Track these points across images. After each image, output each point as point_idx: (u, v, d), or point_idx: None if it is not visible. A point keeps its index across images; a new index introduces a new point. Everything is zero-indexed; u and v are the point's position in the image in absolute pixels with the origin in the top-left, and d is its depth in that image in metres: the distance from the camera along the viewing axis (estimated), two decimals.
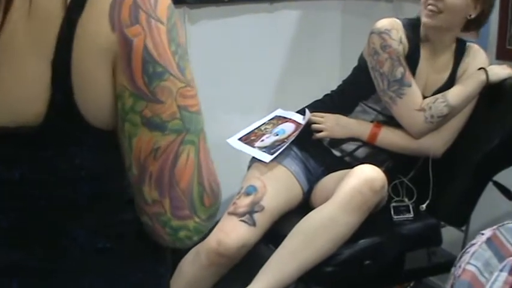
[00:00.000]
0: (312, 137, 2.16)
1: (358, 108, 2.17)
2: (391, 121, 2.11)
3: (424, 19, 1.99)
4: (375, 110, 2.15)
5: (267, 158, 2.06)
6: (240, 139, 2.17)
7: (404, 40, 2.02)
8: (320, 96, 2.31)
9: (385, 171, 1.95)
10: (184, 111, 0.89)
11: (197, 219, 0.91)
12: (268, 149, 2.09)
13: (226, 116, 2.55)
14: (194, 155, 0.90)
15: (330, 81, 2.41)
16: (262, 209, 1.96)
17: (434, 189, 2.05)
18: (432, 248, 2.12)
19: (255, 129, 2.21)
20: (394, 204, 2.06)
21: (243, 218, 1.93)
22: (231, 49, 2.63)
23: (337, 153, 2.17)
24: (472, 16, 2.00)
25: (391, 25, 2.00)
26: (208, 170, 0.91)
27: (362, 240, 1.93)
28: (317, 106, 2.25)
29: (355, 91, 2.19)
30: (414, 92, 2.01)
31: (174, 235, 0.92)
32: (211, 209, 0.92)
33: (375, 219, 1.94)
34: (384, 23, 2.01)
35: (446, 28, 2.01)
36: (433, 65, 2.09)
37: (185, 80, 0.90)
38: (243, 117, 2.34)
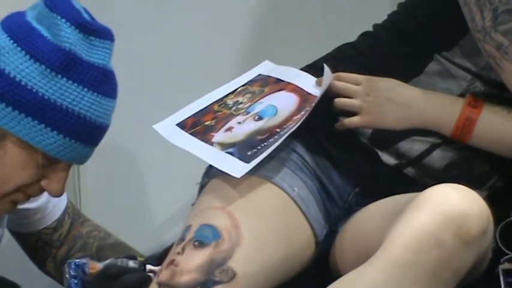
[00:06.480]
0: (336, 126, 1.64)
1: (432, 67, 1.65)
2: (502, 94, 1.62)
3: None
4: (466, 69, 1.65)
5: (239, 169, 1.50)
6: (180, 124, 1.60)
7: None
8: (352, 38, 1.74)
9: (487, 199, 1.47)
10: None
11: None
12: (242, 150, 1.53)
13: (167, 82, 2.11)
14: None
15: (373, 8, 2.01)
16: (232, 277, 1.48)
17: None
18: None
19: (214, 102, 1.64)
20: (505, 266, 1.63)
21: None
22: None
23: (388, 159, 1.65)
24: None
25: None
26: None
27: None
28: (346, 57, 1.71)
29: (425, 32, 1.67)
30: None
31: None
32: None
33: None
34: None
35: None
36: None
37: None
38: (198, 87, 1.70)
